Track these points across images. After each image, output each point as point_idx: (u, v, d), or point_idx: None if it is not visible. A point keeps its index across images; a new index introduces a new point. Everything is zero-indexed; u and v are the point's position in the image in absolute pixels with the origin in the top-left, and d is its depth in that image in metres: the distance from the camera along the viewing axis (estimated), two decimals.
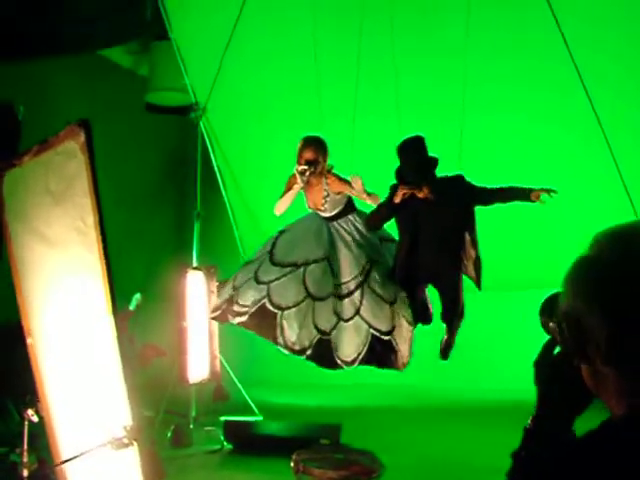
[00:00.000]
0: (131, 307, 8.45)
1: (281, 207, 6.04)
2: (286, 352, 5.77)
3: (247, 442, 7.21)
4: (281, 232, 6.20)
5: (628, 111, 8.23)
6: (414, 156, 5.58)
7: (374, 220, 5.85)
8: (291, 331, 5.66)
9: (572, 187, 9.29)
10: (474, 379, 10.06)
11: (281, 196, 6.03)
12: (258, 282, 5.83)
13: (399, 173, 5.71)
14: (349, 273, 5.92)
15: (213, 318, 6.44)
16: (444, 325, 5.93)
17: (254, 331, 5.85)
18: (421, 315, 6.04)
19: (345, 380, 8.66)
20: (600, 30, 7.76)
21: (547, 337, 1.86)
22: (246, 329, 5.93)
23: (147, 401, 7.40)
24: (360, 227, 6.03)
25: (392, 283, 5.85)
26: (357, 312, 5.77)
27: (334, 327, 5.76)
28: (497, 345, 11.79)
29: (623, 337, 1.28)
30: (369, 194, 5.73)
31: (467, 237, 5.65)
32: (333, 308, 5.78)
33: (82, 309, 3.60)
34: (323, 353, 5.75)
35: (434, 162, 5.64)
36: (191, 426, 7.71)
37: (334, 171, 5.98)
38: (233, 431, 7.33)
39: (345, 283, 5.85)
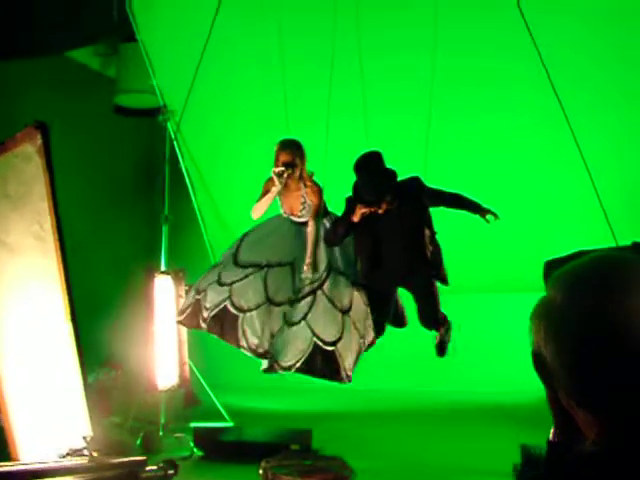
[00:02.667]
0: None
1: (258, 211, 5.94)
2: (249, 355, 5.71)
3: (217, 449, 7.12)
4: (246, 234, 6.12)
5: (597, 108, 8.29)
6: (371, 175, 5.53)
7: (333, 238, 5.81)
8: (253, 334, 5.58)
9: (545, 188, 9.34)
10: (446, 382, 10.05)
11: (258, 200, 5.93)
12: (220, 284, 5.74)
13: (356, 189, 5.65)
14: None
15: (179, 322, 6.34)
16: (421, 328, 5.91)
17: (217, 335, 5.76)
18: (396, 320, 6.01)
19: (317, 384, 8.60)
20: (568, 26, 7.80)
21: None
22: (210, 334, 5.85)
23: (116, 408, 7.28)
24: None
25: (350, 291, 5.78)
26: (304, 318, 5.68)
27: (279, 331, 5.70)
28: (471, 348, 11.82)
29: (579, 375, 1.31)
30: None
31: (426, 232, 5.63)
32: (284, 312, 5.71)
33: (41, 317, 3.50)
34: (270, 357, 5.73)
35: (393, 176, 5.58)
36: (161, 433, 7.60)
37: (314, 178, 5.92)
38: (203, 438, 7.24)
39: (301, 288, 5.78)
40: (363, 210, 5.42)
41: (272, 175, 5.72)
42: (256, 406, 9.66)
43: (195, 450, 7.19)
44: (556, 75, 7.66)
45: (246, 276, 5.77)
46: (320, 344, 5.66)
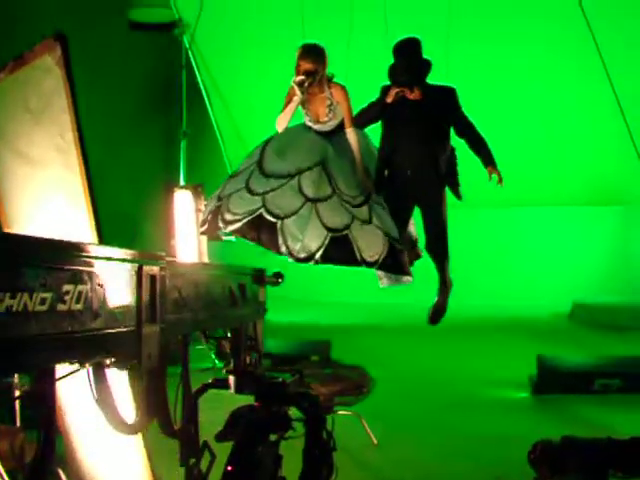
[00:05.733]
0: None
1: (282, 122, 5.77)
2: (291, 260, 5.55)
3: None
4: (267, 142, 5.95)
5: (627, 41, 8.16)
6: (408, 57, 5.49)
7: (363, 117, 5.75)
8: (293, 239, 5.46)
9: (569, 115, 9.26)
10: (464, 295, 10.13)
11: (282, 110, 5.80)
12: (252, 193, 5.61)
13: (392, 72, 5.61)
14: (353, 187, 5.73)
15: (202, 233, 6.24)
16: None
17: (251, 239, 5.61)
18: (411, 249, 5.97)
19: (335, 298, 8.70)
20: None
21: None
22: (241, 237, 5.68)
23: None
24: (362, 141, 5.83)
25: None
26: (370, 221, 5.61)
27: (350, 224, 5.54)
28: (488, 262, 11.91)
29: None
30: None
31: (445, 140, 5.60)
32: (344, 207, 5.58)
33: (67, 229, 3.53)
34: (340, 251, 5.53)
35: (427, 65, 5.55)
36: None
37: (335, 80, 5.77)
38: (224, 350, 7.36)
39: (350, 195, 5.67)
40: (397, 90, 5.39)
41: (293, 85, 5.60)
42: (275, 320, 9.81)
43: (217, 362, 7.33)
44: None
45: (279, 186, 5.64)
46: (394, 243, 5.59)
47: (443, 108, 5.54)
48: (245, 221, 5.45)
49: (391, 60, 5.62)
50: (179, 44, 9.34)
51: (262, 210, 5.43)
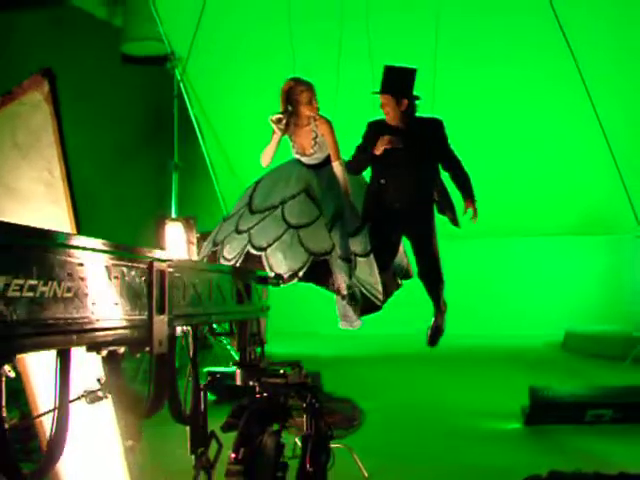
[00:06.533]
0: None
1: (265, 157, 5.85)
2: (279, 285, 5.60)
3: (230, 392, 7.22)
4: (257, 182, 6.05)
5: (607, 62, 8.26)
6: (398, 72, 5.51)
7: (355, 166, 5.77)
8: (277, 263, 5.52)
9: (559, 149, 9.35)
10: (456, 326, 10.12)
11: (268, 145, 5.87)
12: (239, 232, 5.69)
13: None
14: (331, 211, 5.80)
15: None
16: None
17: None
18: (401, 271, 6.00)
19: (323, 330, 8.69)
20: None
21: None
22: None
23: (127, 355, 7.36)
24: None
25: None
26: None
27: (330, 251, 5.62)
28: (480, 292, 11.93)
29: None
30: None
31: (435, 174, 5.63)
32: (326, 231, 5.64)
33: None
34: (321, 272, 5.61)
35: (412, 88, 5.57)
36: None
37: (321, 113, 5.83)
38: (215, 382, 7.33)
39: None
40: (385, 143, 5.41)
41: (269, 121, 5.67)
42: (266, 350, 9.77)
43: (208, 394, 7.28)
44: (568, 29, 7.65)
45: (263, 219, 5.70)
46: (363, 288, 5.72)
47: (431, 140, 5.57)
48: (237, 262, 5.53)
49: (376, 88, 5.66)
50: (171, 77, 9.40)
51: (248, 246, 5.51)
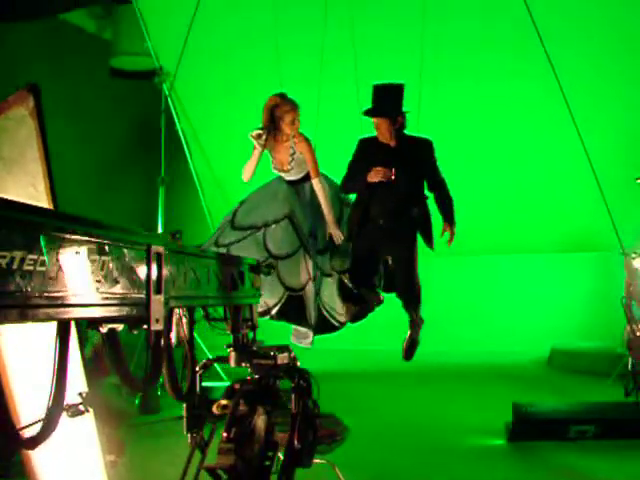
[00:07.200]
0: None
1: (246, 172, 5.96)
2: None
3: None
4: (243, 201, 6.12)
5: (585, 69, 8.34)
6: (389, 89, 5.54)
7: (349, 187, 5.83)
8: None
9: (544, 168, 9.43)
10: (439, 342, 10.16)
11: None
12: (218, 246, 5.75)
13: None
14: (319, 236, 5.90)
15: None
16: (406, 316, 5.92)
17: None
18: (386, 284, 6.04)
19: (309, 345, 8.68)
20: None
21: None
22: None
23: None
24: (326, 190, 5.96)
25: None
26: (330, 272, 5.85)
27: (305, 286, 5.71)
28: (463, 309, 11.96)
29: None
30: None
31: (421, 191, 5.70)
32: (306, 264, 5.73)
33: None
34: (294, 309, 5.69)
35: (401, 103, 5.63)
36: (159, 392, 7.71)
37: (300, 131, 5.90)
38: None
39: (314, 242, 5.83)
40: (380, 179, 5.46)
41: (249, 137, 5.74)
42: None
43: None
44: (546, 36, 7.72)
45: (244, 237, 5.77)
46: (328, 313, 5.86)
47: (420, 161, 5.62)
48: None
49: (362, 106, 5.71)
50: (159, 92, 9.42)
51: None
